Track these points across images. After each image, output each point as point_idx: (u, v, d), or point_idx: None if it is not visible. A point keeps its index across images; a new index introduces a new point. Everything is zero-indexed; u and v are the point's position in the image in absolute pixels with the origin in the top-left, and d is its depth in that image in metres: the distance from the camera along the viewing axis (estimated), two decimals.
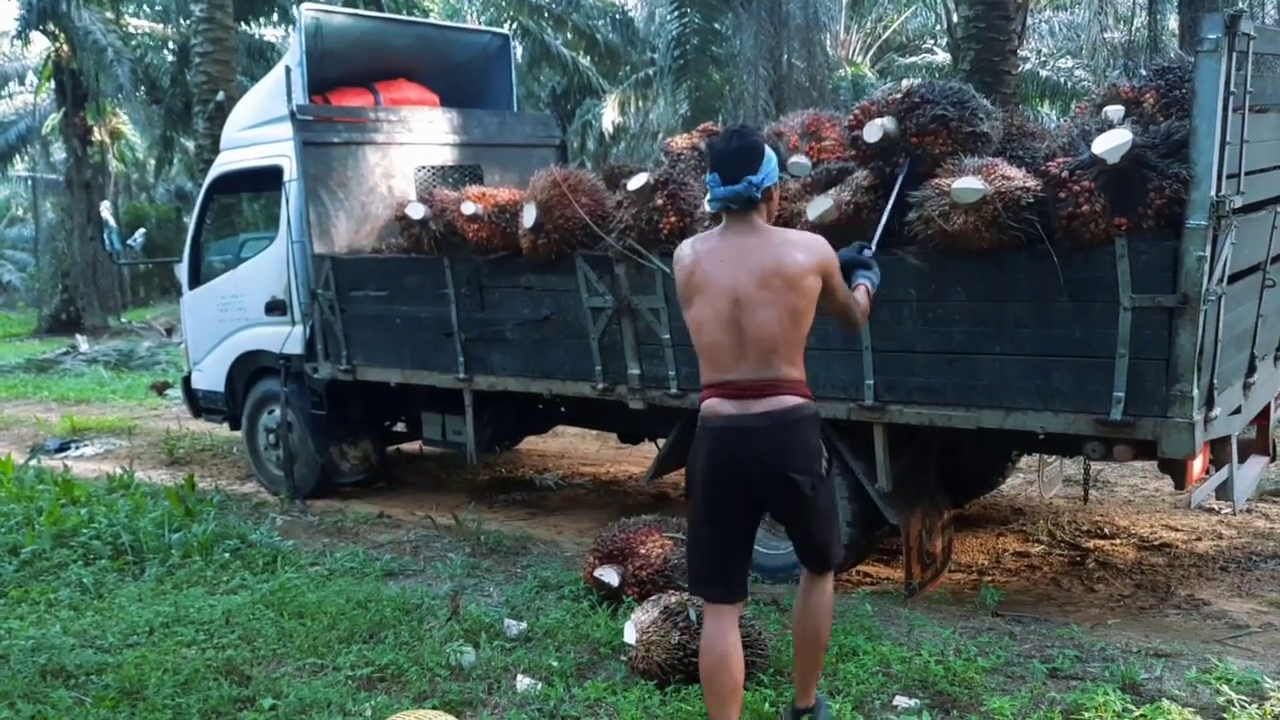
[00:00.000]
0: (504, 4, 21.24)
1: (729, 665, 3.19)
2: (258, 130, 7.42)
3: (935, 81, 4.62)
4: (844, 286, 3.31)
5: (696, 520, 3.30)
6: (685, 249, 3.30)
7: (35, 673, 4.19)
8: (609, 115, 19.17)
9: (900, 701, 3.72)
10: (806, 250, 3.18)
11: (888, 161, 4.49)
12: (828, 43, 18.27)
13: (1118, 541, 5.84)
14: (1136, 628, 4.58)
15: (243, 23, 19.73)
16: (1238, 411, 4.56)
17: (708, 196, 3.32)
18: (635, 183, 5.23)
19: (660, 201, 5.15)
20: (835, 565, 3.49)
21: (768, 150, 3.24)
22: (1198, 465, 4.31)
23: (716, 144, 3.28)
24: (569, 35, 21.46)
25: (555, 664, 4.12)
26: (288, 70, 6.90)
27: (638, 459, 7.94)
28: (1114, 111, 4.59)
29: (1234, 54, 3.83)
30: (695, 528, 3.31)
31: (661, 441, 5.96)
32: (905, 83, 4.66)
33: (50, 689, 4.06)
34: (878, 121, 4.43)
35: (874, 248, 3.76)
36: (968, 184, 4.09)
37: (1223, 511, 6.10)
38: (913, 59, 22.21)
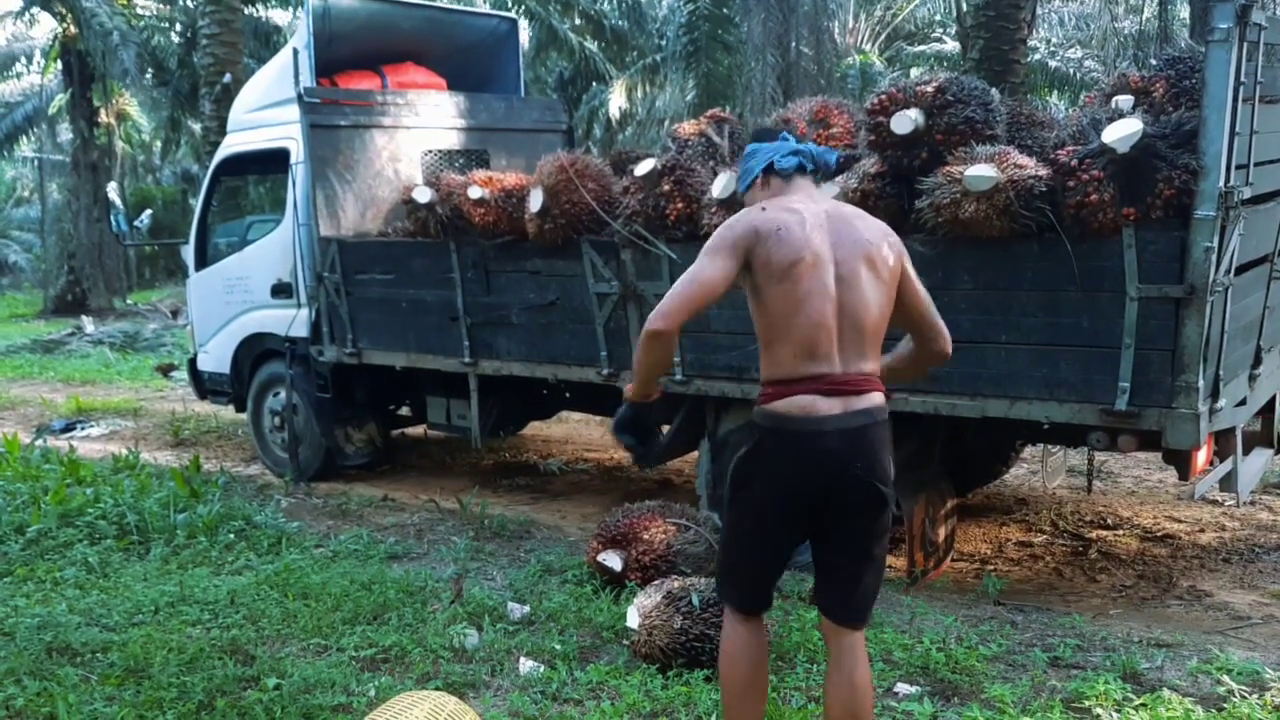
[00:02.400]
0: None
1: (764, 673, 2.97)
2: (265, 113, 7.42)
3: (963, 78, 4.56)
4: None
5: (750, 531, 2.85)
6: (756, 210, 2.83)
7: (41, 650, 4.21)
8: (616, 101, 19.10)
9: (901, 689, 3.73)
10: (890, 233, 2.89)
11: (907, 153, 4.46)
12: (836, 30, 18.18)
13: (1120, 532, 5.84)
14: (1138, 618, 4.59)
15: (249, 5, 19.69)
16: (1243, 403, 4.56)
17: (778, 155, 2.90)
18: (642, 168, 5.23)
19: (667, 187, 5.15)
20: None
21: None
22: (1202, 457, 4.31)
23: (767, 124, 3.12)
24: (576, 20, 21.38)
25: (558, 647, 4.13)
26: (295, 53, 6.88)
27: None
28: (1124, 101, 4.57)
29: (1244, 44, 3.81)
30: (746, 539, 2.88)
31: (666, 428, 5.96)
32: (933, 77, 4.57)
33: (56, 666, 4.08)
34: (909, 114, 4.37)
35: None
36: (981, 171, 4.08)
37: (1226, 503, 6.10)
38: (921, 47, 22.11)
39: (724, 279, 2.73)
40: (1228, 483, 4.62)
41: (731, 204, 4.91)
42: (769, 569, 2.93)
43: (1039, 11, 15.01)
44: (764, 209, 2.82)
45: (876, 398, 2.77)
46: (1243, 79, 3.83)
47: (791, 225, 2.73)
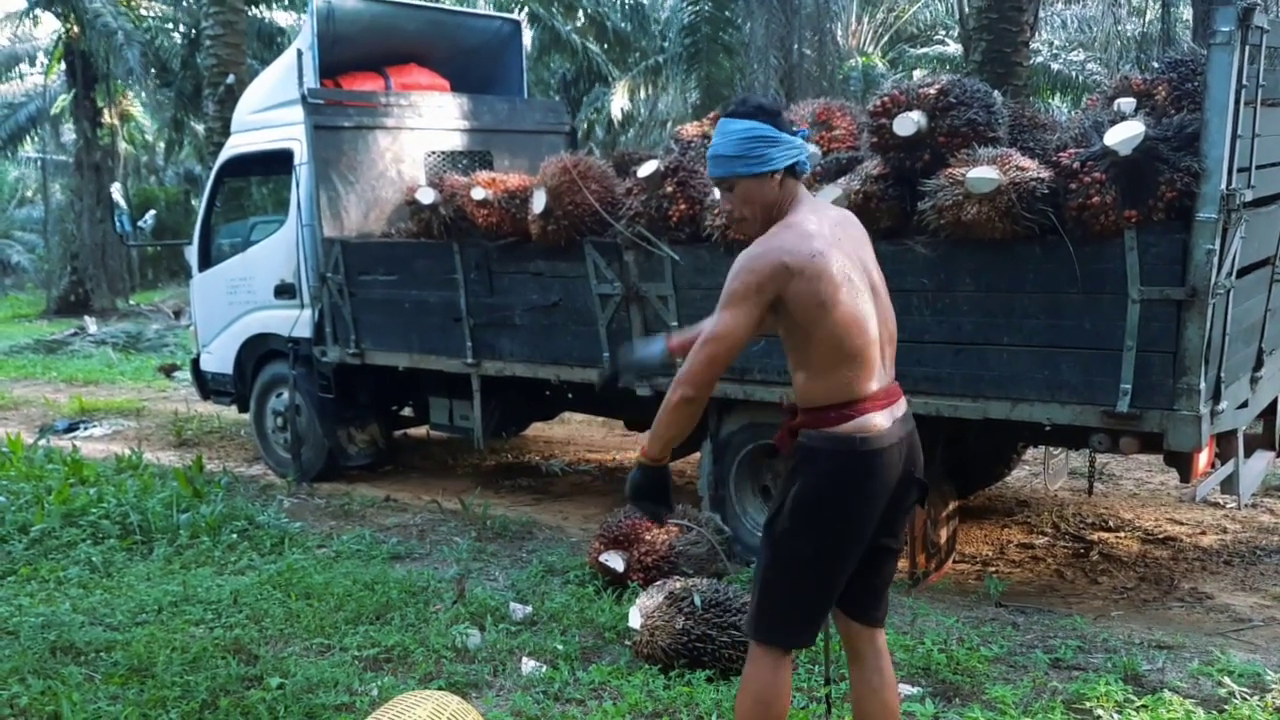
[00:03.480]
0: None
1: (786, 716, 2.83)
2: (268, 114, 7.43)
3: (965, 80, 4.57)
4: None
5: (827, 560, 2.68)
6: (773, 242, 2.60)
7: (45, 649, 4.22)
8: (618, 102, 19.13)
9: (903, 690, 3.73)
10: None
11: (909, 155, 4.47)
12: (838, 32, 18.21)
13: (1122, 534, 5.84)
14: (1139, 620, 4.60)
15: (253, 6, 19.72)
16: (1244, 405, 4.56)
17: (802, 154, 2.68)
18: (645, 170, 5.24)
19: (670, 189, 5.16)
20: None
21: None
22: (1203, 459, 4.31)
23: (766, 100, 2.78)
24: (579, 22, 21.41)
25: (560, 647, 4.14)
26: (299, 54, 6.90)
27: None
28: (1126, 104, 4.58)
29: (1246, 47, 3.82)
30: (823, 569, 2.69)
31: None
32: (935, 79, 4.58)
33: (60, 665, 4.10)
34: (912, 115, 4.38)
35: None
36: (983, 174, 4.09)
37: (1228, 506, 6.10)
38: (924, 50, 22.11)
39: (752, 329, 2.60)
40: (1229, 485, 4.62)
41: None
42: (835, 596, 2.76)
43: (1041, 14, 15.01)
44: (780, 240, 2.60)
45: (904, 402, 2.80)
46: (1244, 82, 3.84)
47: (822, 250, 2.56)
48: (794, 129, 2.71)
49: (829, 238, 2.61)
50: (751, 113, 2.67)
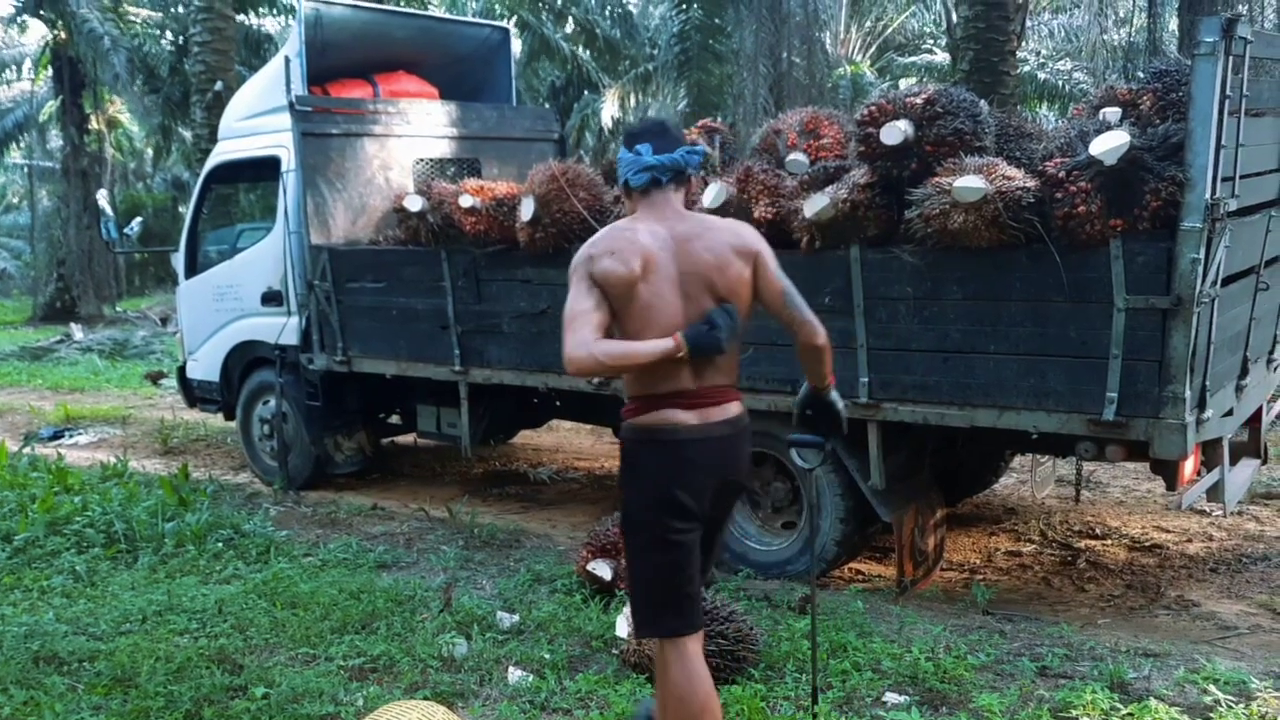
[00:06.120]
0: None
1: (716, 703, 2.95)
2: (256, 120, 7.41)
3: (952, 90, 4.59)
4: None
5: (653, 546, 2.89)
6: (599, 238, 2.92)
7: (28, 659, 4.19)
8: (608, 110, 19.17)
9: (890, 698, 3.74)
10: (742, 239, 2.96)
11: (897, 164, 4.49)
12: (827, 41, 18.28)
13: (1109, 542, 5.86)
14: (1126, 627, 4.61)
15: (242, 13, 19.69)
16: (1230, 414, 4.58)
17: (631, 172, 2.95)
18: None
19: None
20: None
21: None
22: (1189, 467, 4.33)
23: (638, 123, 3.03)
24: (569, 29, 21.44)
25: (547, 656, 4.13)
26: (287, 61, 6.89)
27: None
28: (1111, 113, 4.61)
29: (1230, 57, 3.84)
30: (654, 553, 2.90)
31: None
32: (923, 88, 4.59)
33: (43, 675, 4.06)
34: (899, 125, 4.39)
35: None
36: (970, 182, 4.10)
37: (1213, 513, 6.12)
38: (912, 59, 22.24)
39: (592, 306, 2.82)
40: (1215, 493, 4.63)
41: (722, 212, 4.92)
42: (687, 577, 2.93)
43: (1029, 24, 15.11)
44: (595, 237, 2.94)
45: (733, 408, 2.95)
46: (1229, 92, 3.86)
47: (624, 249, 2.83)
48: (657, 135, 2.98)
49: (643, 243, 2.84)
50: (623, 140, 3.01)
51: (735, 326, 2.87)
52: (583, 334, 2.77)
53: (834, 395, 3.11)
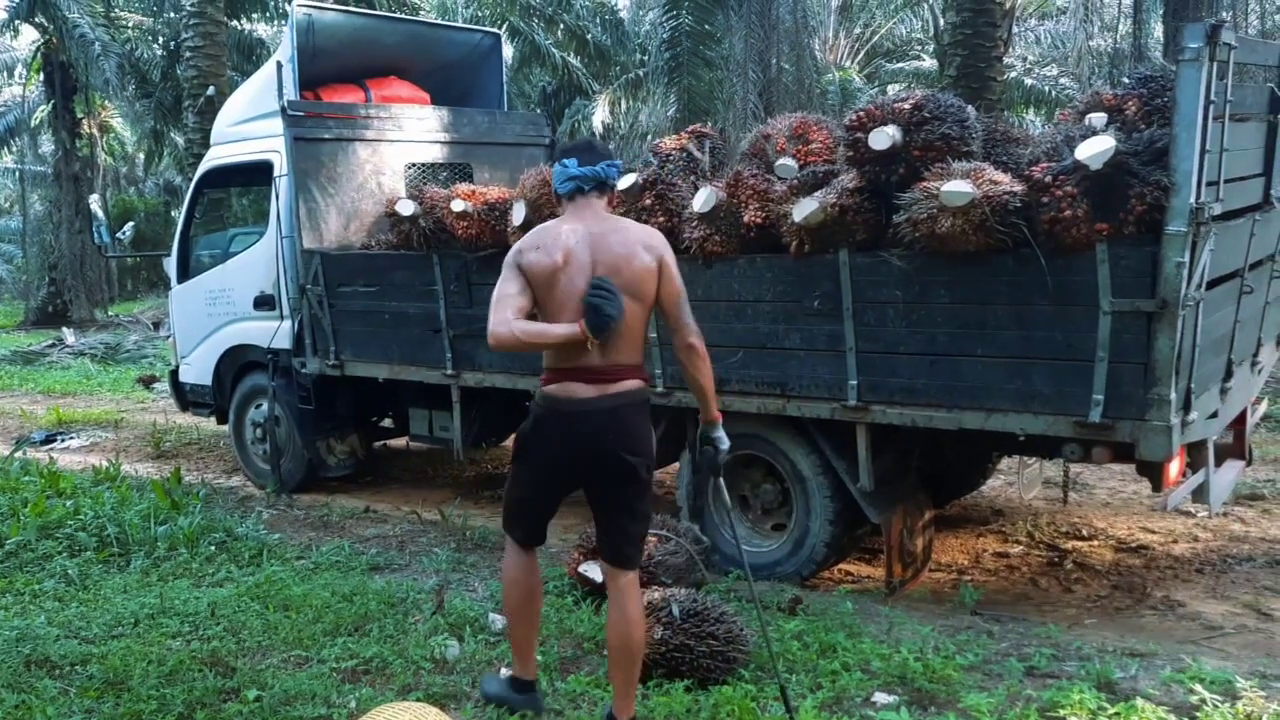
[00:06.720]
0: (495, 3, 21.24)
1: (537, 600, 3.72)
2: (248, 125, 7.43)
3: (939, 95, 4.62)
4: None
5: (523, 478, 3.59)
6: (544, 229, 3.44)
7: (20, 663, 4.20)
8: (599, 115, 19.18)
9: (879, 698, 3.77)
10: (650, 241, 3.41)
11: (884, 169, 4.52)
12: (816, 47, 18.32)
13: (1095, 543, 5.90)
14: (1113, 628, 4.64)
15: (234, 18, 19.69)
16: (1215, 416, 4.62)
17: (557, 181, 3.48)
18: (624, 183, 5.26)
19: (649, 201, 5.20)
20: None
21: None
22: (1175, 468, 4.36)
23: (570, 141, 3.47)
24: (560, 35, 21.47)
25: (539, 658, 4.14)
26: (279, 66, 6.91)
27: None
28: (1097, 118, 4.65)
29: (1215, 63, 3.89)
30: (522, 483, 3.61)
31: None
32: (910, 94, 4.63)
33: (35, 679, 4.07)
34: (887, 130, 4.42)
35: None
36: (957, 187, 4.13)
37: (1199, 515, 6.17)
38: (900, 64, 22.33)
39: (516, 293, 3.33)
40: (1200, 494, 4.67)
41: (713, 218, 4.96)
42: (537, 509, 3.63)
43: (1015, 30, 15.18)
44: (534, 233, 3.45)
45: (629, 384, 3.38)
46: (1213, 97, 3.90)
47: (548, 244, 3.34)
48: (585, 150, 3.51)
49: (565, 239, 3.34)
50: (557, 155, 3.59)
51: (617, 301, 3.27)
52: (505, 314, 3.29)
53: (718, 433, 3.60)
